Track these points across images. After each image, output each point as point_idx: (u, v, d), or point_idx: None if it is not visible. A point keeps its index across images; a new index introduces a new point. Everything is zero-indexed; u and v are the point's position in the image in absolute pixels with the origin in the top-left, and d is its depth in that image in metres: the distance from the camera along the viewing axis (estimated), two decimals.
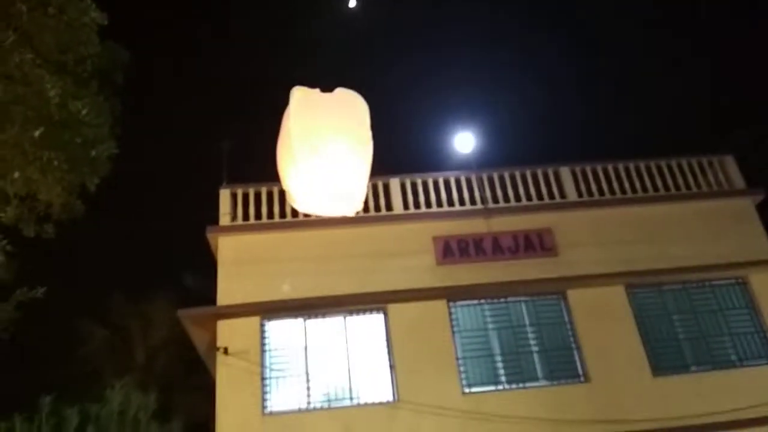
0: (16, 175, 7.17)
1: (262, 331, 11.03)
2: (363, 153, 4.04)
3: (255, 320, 11.04)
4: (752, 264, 11.96)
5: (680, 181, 12.94)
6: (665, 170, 13.02)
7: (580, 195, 12.65)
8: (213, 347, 10.94)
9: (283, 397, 10.62)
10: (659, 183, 12.87)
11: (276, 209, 12.03)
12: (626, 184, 12.81)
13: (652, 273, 11.69)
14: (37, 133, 7.08)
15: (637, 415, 10.44)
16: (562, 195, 12.66)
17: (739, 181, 13.01)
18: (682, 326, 11.58)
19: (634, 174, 12.94)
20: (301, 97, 4.08)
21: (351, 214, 4.18)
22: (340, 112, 4.05)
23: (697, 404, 10.54)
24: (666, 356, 11.25)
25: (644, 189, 12.82)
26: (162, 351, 19.72)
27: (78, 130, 7.77)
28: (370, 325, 11.27)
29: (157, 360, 19.76)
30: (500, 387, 10.90)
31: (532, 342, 11.31)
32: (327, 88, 4.12)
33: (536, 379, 11.02)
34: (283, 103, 4.16)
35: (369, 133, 4.09)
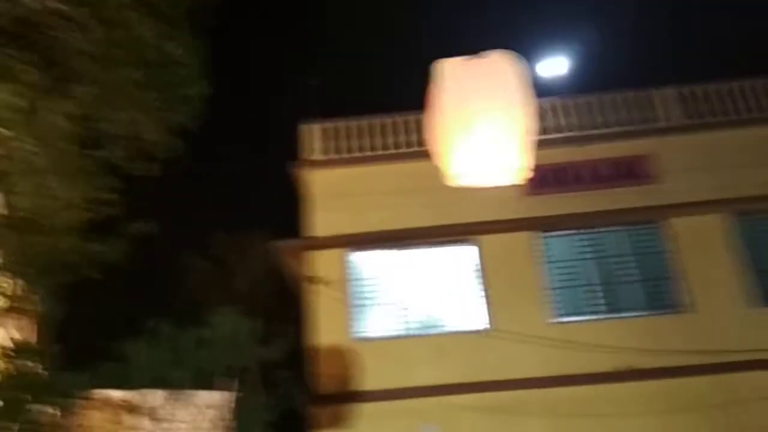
0: (123, 116, 7.54)
1: (351, 262, 11.34)
2: (520, 119, 3.87)
3: (344, 252, 11.35)
4: None
5: None
6: None
7: (685, 118, 11.86)
8: (305, 277, 11.38)
9: (375, 324, 10.99)
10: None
11: (360, 143, 12.10)
12: (731, 105, 11.88)
13: (761, 199, 10.97)
14: (138, 75, 7.37)
15: (738, 346, 10.09)
16: (663, 119, 11.95)
17: None
18: None
19: (738, 94, 11.96)
20: (447, 70, 3.93)
21: (516, 183, 4.08)
22: (490, 80, 3.84)
23: None
24: None
25: (750, 110, 11.81)
26: (260, 283, 20.70)
27: (173, 71, 8.02)
28: (462, 255, 11.33)
29: (256, 291, 20.80)
30: (592, 317, 10.78)
31: (626, 272, 11.03)
32: (471, 51, 3.93)
33: (631, 309, 10.81)
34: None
35: (524, 97, 3.88)
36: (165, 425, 10.00)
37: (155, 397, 10.27)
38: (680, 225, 11.08)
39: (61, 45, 6.92)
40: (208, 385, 11.43)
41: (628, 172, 11.49)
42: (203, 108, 8.98)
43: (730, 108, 11.88)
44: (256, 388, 14.76)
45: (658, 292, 10.88)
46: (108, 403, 9.71)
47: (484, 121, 3.78)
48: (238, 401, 11.21)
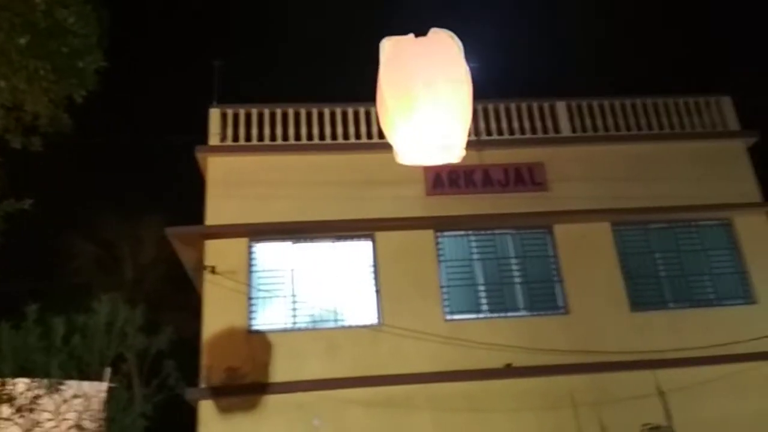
0: (3, 83, 7.00)
1: (250, 252, 11.15)
2: (459, 95, 3.86)
3: (243, 241, 11.15)
4: (738, 206, 12.10)
5: (675, 120, 12.88)
6: (661, 109, 12.93)
7: (573, 130, 12.58)
8: (201, 266, 11.07)
9: (269, 316, 10.86)
10: (654, 121, 12.80)
11: (267, 131, 11.93)
12: (621, 121, 12.73)
13: (639, 211, 11.82)
14: (23, 41, 6.87)
15: (615, 348, 10.78)
16: (556, 130, 12.59)
17: (733, 123, 12.96)
18: (664, 264, 11.81)
19: (629, 111, 12.84)
20: (390, 47, 3.89)
21: (455, 161, 4.05)
22: (433, 55, 3.83)
23: (673, 339, 10.88)
24: (645, 292, 11.52)
25: (638, 127, 12.75)
26: (151, 269, 19.94)
27: (64, 39, 7.55)
28: (358, 251, 11.40)
29: (146, 277, 20.02)
30: (482, 315, 11.17)
31: (515, 273, 11.52)
32: (420, 32, 3.92)
33: (517, 309, 11.29)
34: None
35: (465, 74, 3.89)
36: (27, 414, 9.42)
37: (18, 385, 9.65)
38: (565, 231, 11.72)
39: None
40: (80, 374, 10.86)
41: (520, 178, 12.00)
42: (96, 81, 8.52)
43: (614, 124, 12.69)
44: (134, 378, 14.20)
45: (543, 294, 11.44)
46: None
47: (427, 97, 3.80)
48: (112, 391, 10.74)
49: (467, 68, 3.86)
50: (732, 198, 12.14)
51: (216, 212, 11.29)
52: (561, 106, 12.75)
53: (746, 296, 11.61)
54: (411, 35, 3.86)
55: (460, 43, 3.87)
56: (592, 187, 11.96)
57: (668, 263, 11.82)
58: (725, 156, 12.58)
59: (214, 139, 11.90)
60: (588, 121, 12.66)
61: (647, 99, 13.01)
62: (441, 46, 3.86)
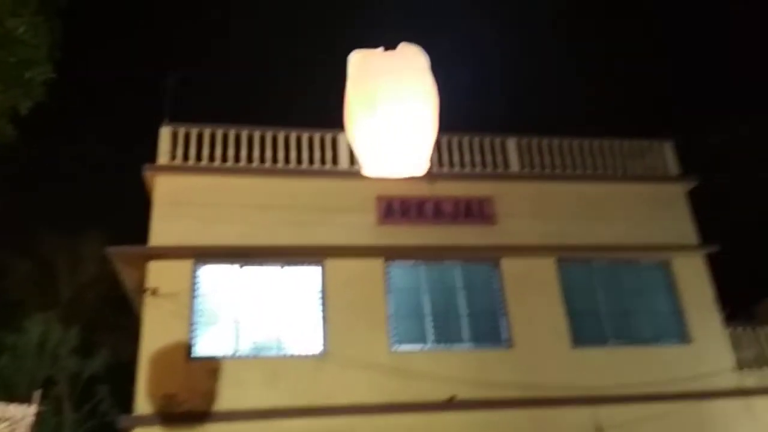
0: None
1: (194, 275, 10.89)
2: (425, 108, 3.85)
3: (187, 263, 10.88)
4: (676, 248, 12.56)
5: (619, 162, 13.33)
6: (606, 151, 13.37)
7: (522, 167, 12.88)
8: (142, 288, 10.75)
9: (210, 342, 10.58)
10: (599, 162, 13.22)
11: (219, 152, 11.78)
12: (568, 161, 13.10)
13: (583, 249, 12.12)
14: None
15: (555, 383, 10.93)
16: (506, 165, 12.86)
17: (673, 168, 13.51)
18: (605, 301, 12.09)
19: (576, 151, 13.23)
20: (359, 59, 3.89)
21: (419, 173, 4.00)
22: (400, 68, 3.84)
23: (611, 376, 11.11)
24: (587, 329, 11.75)
25: (584, 167, 13.14)
26: (90, 288, 19.22)
27: (13, 49, 7.35)
28: (306, 277, 11.28)
29: (84, 297, 19.28)
30: (427, 347, 11.16)
31: (462, 305, 11.59)
32: (390, 46, 3.92)
33: (462, 341, 11.34)
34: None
35: (431, 87, 3.88)
36: None
37: None
38: (512, 265, 11.89)
39: None
40: (7, 396, 10.32)
41: (470, 211, 12.17)
42: (43, 93, 8.30)
43: (561, 163, 13.06)
44: (64, 403, 13.58)
45: (487, 327, 11.53)
46: None
47: (391, 110, 3.80)
48: (40, 415, 10.23)
49: (433, 82, 3.90)
50: (671, 240, 12.61)
51: (161, 232, 11.02)
52: (511, 143, 13.05)
53: (682, 336, 11.98)
54: (380, 49, 3.90)
55: (427, 58, 3.92)
56: (539, 223, 12.22)
57: (609, 301, 12.11)
58: (665, 199, 13.07)
59: (163, 158, 11.66)
60: (537, 159, 12.98)
61: (594, 140, 13.44)
62: (407, 61, 3.91)
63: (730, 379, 11.64)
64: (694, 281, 12.40)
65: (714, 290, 12.38)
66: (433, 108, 3.88)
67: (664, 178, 13.38)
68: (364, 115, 3.80)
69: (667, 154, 13.62)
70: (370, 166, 4.02)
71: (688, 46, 22.70)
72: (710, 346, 11.89)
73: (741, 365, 11.89)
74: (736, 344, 12.11)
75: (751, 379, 11.80)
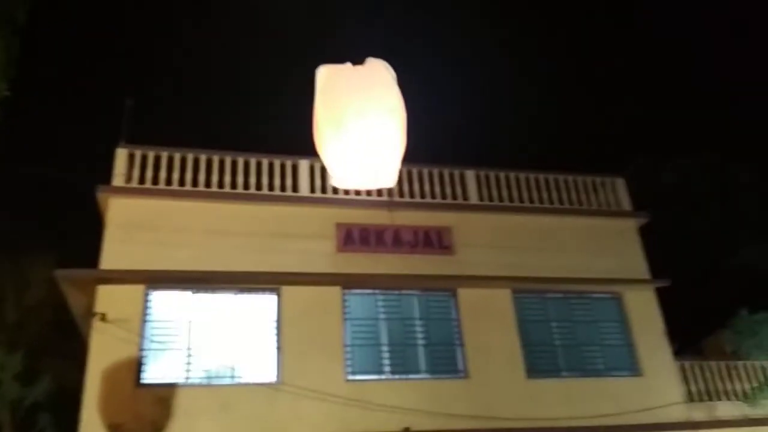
0: None
1: (146, 301, 10.62)
2: (392, 123, 3.88)
3: (139, 288, 10.61)
4: (628, 282, 12.84)
5: (574, 196, 13.64)
6: (561, 185, 13.67)
7: (481, 198, 13.04)
8: (90, 313, 10.41)
9: (160, 370, 10.29)
10: (555, 196, 13.50)
11: (176, 176, 11.60)
12: (525, 194, 13.34)
13: (538, 281, 12.28)
14: None
15: (510, 414, 10.94)
16: (465, 197, 13.01)
17: (626, 204, 13.88)
18: (559, 333, 12.24)
19: (533, 185, 13.49)
20: (326, 74, 3.92)
21: (388, 186, 4.02)
22: (367, 83, 3.88)
23: (564, 408, 11.20)
24: (541, 360, 11.85)
25: (541, 200, 13.39)
26: (36, 313, 18.51)
27: None
28: (261, 305, 11.11)
29: (29, 321, 18.54)
30: (383, 376, 11.08)
31: (419, 335, 11.57)
32: (358, 60, 3.96)
33: (418, 371, 11.30)
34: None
35: (398, 101, 3.92)
36: None
37: None
38: (468, 295, 11.96)
39: None
40: None
41: (428, 241, 12.23)
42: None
43: (518, 195, 13.29)
44: (4, 430, 12.98)
45: (444, 357, 11.52)
46: None
47: (357, 123, 3.82)
48: None
49: (400, 97, 3.95)
50: (623, 274, 12.89)
51: (113, 256, 10.73)
52: (471, 175, 13.22)
53: (633, 368, 12.19)
54: (348, 64, 3.95)
55: (393, 73, 3.98)
56: (496, 254, 12.35)
57: (563, 332, 12.27)
58: (618, 234, 13.39)
59: (118, 180, 11.42)
60: (495, 191, 13.18)
61: (550, 175, 13.74)
62: (374, 75, 3.96)
63: (680, 412, 11.85)
64: (645, 315, 12.67)
65: (664, 324, 12.67)
66: (401, 121, 3.94)
67: (618, 213, 13.73)
68: (332, 130, 3.85)
69: (620, 191, 14.00)
70: (340, 179, 4.07)
71: (644, 87, 23.57)
72: (660, 379, 12.12)
73: (689, 398, 12.15)
74: (685, 378, 12.38)
75: (699, 412, 12.05)
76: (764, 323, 12.12)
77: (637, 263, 13.19)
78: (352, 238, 11.87)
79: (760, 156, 19.61)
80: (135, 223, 11.05)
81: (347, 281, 11.50)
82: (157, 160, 11.68)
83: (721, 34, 25.17)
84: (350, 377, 10.85)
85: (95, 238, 11.02)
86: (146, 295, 10.65)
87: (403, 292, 11.83)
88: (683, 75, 23.45)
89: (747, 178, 19.83)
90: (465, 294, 11.95)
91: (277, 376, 10.53)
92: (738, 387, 12.50)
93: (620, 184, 14.11)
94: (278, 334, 10.84)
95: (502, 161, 14.04)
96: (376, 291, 11.71)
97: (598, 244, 13.10)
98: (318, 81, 3.95)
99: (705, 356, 13.53)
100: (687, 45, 25.24)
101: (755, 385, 12.43)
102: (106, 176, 11.45)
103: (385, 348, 11.31)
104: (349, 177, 4.05)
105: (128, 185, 11.42)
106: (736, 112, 22.55)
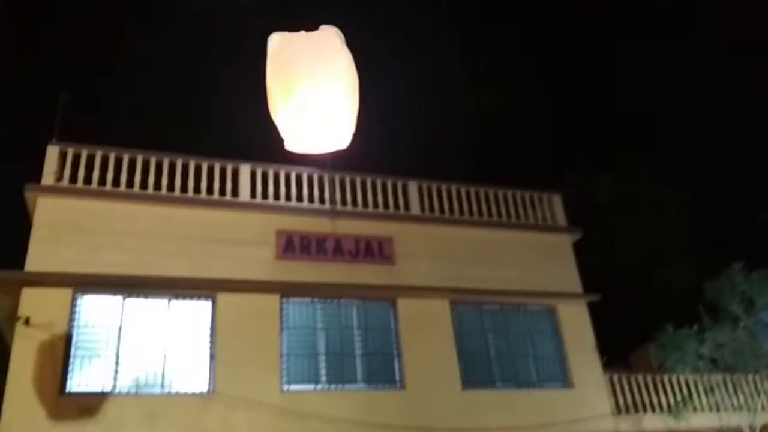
0: None
1: (73, 305, 10.17)
2: (343, 85, 3.90)
3: (66, 292, 10.16)
4: (561, 295, 13.18)
5: (512, 211, 13.91)
6: (500, 199, 13.92)
7: (422, 210, 13.14)
8: (14, 317, 9.88)
9: (86, 377, 9.86)
10: (494, 210, 13.72)
11: (110, 176, 11.19)
12: (465, 206, 13.52)
13: (475, 292, 12.45)
14: None
15: (445, 425, 11.01)
16: (407, 207, 13.07)
17: (561, 219, 14.26)
18: (494, 345, 12.42)
19: (473, 198, 13.69)
20: (278, 40, 3.93)
21: (341, 147, 4.02)
22: (317, 48, 3.92)
23: (499, 418, 11.36)
24: (476, 371, 11.99)
25: (480, 213, 13.59)
26: None
27: None
28: (196, 311, 10.82)
29: None
30: (320, 387, 10.96)
31: (357, 345, 11.51)
32: (311, 27, 3.96)
33: (356, 381, 11.23)
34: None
35: (349, 64, 3.94)
36: None
37: None
38: (407, 305, 12.01)
39: None
40: None
41: (369, 250, 12.22)
42: None
43: (458, 208, 13.46)
44: None
45: (381, 368, 11.50)
46: None
47: (307, 84, 3.84)
48: None
49: (351, 60, 4.01)
50: (557, 287, 13.23)
51: (39, 257, 10.23)
52: (413, 186, 13.30)
53: (565, 380, 12.48)
54: (301, 32, 3.99)
55: (342, 37, 4.04)
56: (435, 265, 12.45)
57: (498, 344, 12.46)
58: (553, 248, 13.74)
59: (48, 178, 10.92)
60: (436, 203, 13.30)
61: (489, 189, 13.97)
62: (325, 41, 4.01)
63: (608, 423, 12.21)
64: (577, 328, 13.02)
65: (594, 337, 13.04)
66: (352, 84, 4.01)
67: (553, 228, 14.08)
68: (283, 96, 3.91)
69: (556, 206, 14.38)
70: (293, 144, 4.10)
71: (580, 107, 24.32)
72: (590, 390, 12.46)
73: (617, 410, 12.52)
74: (613, 390, 12.76)
75: (626, 423, 12.44)
76: (688, 338, 12.61)
77: (570, 277, 13.55)
78: (292, 245, 11.73)
79: (691, 175, 20.59)
80: (64, 224, 10.59)
81: (286, 289, 11.34)
82: (91, 159, 11.24)
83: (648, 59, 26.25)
84: (285, 387, 10.68)
85: (22, 238, 10.50)
86: (74, 299, 10.20)
87: (343, 301, 11.76)
88: (608, 98, 24.32)
89: (677, 197, 20.72)
90: (404, 304, 11.98)
91: (210, 386, 10.25)
92: (663, 400, 12.95)
93: (556, 199, 14.49)
94: (212, 343, 10.57)
95: (445, 174, 14.22)
96: (316, 299, 11.59)
97: (535, 257, 13.39)
98: (269, 47, 3.99)
99: (633, 369, 13.98)
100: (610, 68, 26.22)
101: (679, 398, 12.91)
102: (36, 174, 10.94)
103: (322, 358, 11.19)
104: (302, 141, 4.10)
105: (58, 185, 10.94)
106: (669, 132, 23.62)
